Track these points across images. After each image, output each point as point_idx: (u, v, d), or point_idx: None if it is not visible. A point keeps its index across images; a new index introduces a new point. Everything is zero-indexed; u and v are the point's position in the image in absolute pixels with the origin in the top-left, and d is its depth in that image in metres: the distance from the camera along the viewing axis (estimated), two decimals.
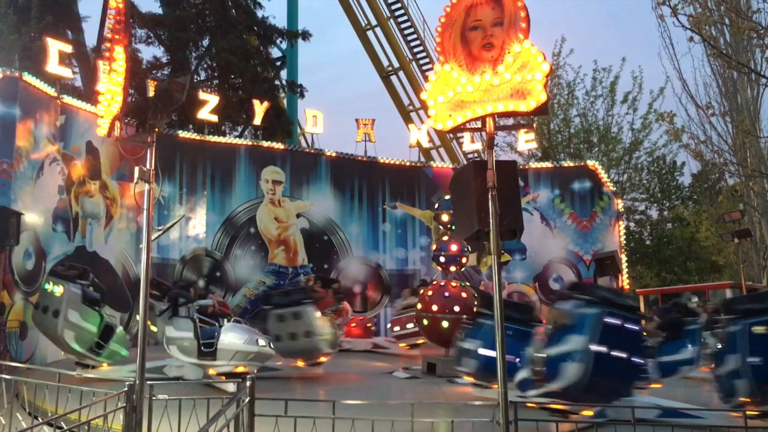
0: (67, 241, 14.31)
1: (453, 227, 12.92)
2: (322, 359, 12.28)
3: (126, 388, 5.75)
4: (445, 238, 13.24)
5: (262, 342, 10.51)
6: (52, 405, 7.27)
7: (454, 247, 13.06)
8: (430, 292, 13.16)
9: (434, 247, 13.71)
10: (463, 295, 12.96)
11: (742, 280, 18.04)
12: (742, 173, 17.60)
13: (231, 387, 9.33)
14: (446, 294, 12.82)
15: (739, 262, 20.62)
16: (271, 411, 6.46)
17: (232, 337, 10.41)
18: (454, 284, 13.17)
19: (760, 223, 22.19)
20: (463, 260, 13.42)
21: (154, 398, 6.38)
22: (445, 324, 12.53)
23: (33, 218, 13.02)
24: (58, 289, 10.50)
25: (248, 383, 6.28)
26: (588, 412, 7.73)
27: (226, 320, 10.87)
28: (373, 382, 12.13)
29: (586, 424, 7.33)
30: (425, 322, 12.98)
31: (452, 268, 13.34)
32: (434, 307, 12.72)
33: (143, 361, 6.02)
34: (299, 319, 11.76)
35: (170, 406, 6.52)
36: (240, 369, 10.28)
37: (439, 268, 13.65)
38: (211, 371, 10.43)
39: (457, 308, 12.61)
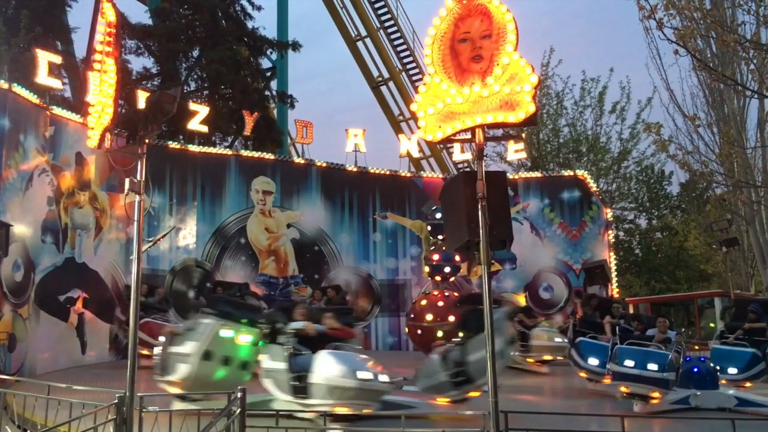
0: (56, 252, 14.23)
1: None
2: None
3: (116, 401, 5.74)
4: None
5: (365, 374, 8.07)
6: (41, 417, 7.24)
7: (458, 257, 13.11)
8: (440, 303, 13.15)
9: (437, 257, 13.70)
10: (440, 304, 13.15)
11: (731, 289, 18.19)
12: (728, 183, 17.76)
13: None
14: (458, 304, 12.95)
15: (727, 270, 20.76)
16: (262, 423, 6.46)
17: (325, 368, 8.14)
18: (456, 294, 13.29)
19: (747, 232, 22.37)
20: (462, 270, 13.58)
21: (144, 410, 6.37)
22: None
23: (22, 229, 12.94)
24: (246, 338, 8.96)
25: (239, 395, 6.27)
26: (656, 394, 9.55)
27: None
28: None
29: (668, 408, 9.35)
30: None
31: (451, 279, 13.47)
32: (451, 318, 12.78)
33: (133, 372, 6.01)
34: (511, 320, 9.85)
35: (160, 419, 6.50)
36: (341, 410, 7.93)
37: (438, 278, 13.73)
38: (310, 414, 8.22)
39: None
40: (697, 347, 13.90)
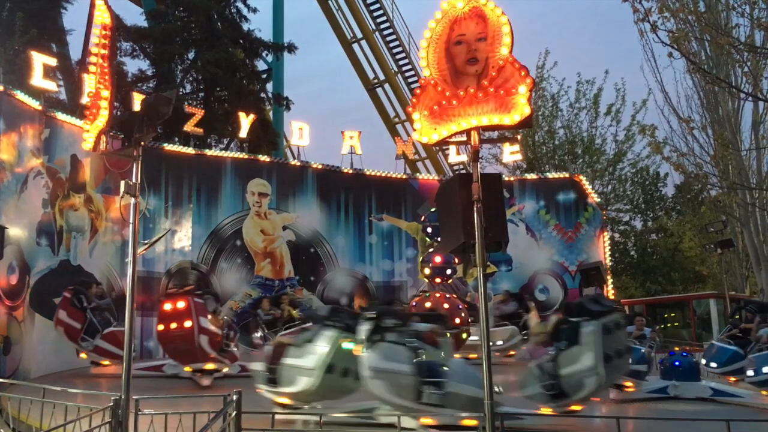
0: (51, 254, 14.20)
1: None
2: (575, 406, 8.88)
3: (111, 403, 5.73)
4: None
5: (497, 387, 7.55)
6: (36, 420, 7.22)
7: (457, 259, 13.20)
8: (445, 305, 13.13)
9: (438, 259, 13.69)
10: (446, 306, 13.21)
11: (726, 290, 18.26)
12: (723, 185, 17.82)
13: None
14: (459, 306, 12.96)
15: (722, 272, 20.83)
16: (258, 425, 6.45)
17: (468, 378, 7.82)
18: (455, 296, 13.37)
19: (742, 233, 22.43)
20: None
21: (139, 413, 6.36)
22: (464, 336, 12.73)
23: (17, 232, 12.91)
24: (353, 346, 8.52)
25: (235, 397, 6.27)
26: (629, 383, 10.77)
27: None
28: None
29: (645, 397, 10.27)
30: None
31: (449, 281, 13.51)
32: (457, 320, 12.81)
33: (129, 374, 6.01)
34: (621, 330, 9.02)
35: (156, 421, 6.49)
36: (469, 422, 7.37)
37: (438, 280, 13.71)
38: (425, 420, 7.75)
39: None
40: (676, 348, 14.50)
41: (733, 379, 12.24)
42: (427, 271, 16.13)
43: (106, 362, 13.03)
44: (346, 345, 8.44)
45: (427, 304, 14.78)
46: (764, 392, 10.94)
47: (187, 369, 12.13)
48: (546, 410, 8.61)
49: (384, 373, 7.82)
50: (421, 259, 17.96)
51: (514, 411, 8.24)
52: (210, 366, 11.88)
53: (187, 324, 11.74)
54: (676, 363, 11.43)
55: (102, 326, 13.06)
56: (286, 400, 8.68)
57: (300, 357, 8.63)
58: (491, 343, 13.85)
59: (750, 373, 11.26)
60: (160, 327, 12.28)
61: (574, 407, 8.66)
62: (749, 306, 13.55)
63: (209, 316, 12.17)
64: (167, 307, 12.17)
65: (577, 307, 9.15)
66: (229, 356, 12.52)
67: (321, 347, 8.55)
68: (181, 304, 11.98)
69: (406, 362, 7.78)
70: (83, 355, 13.39)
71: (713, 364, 12.56)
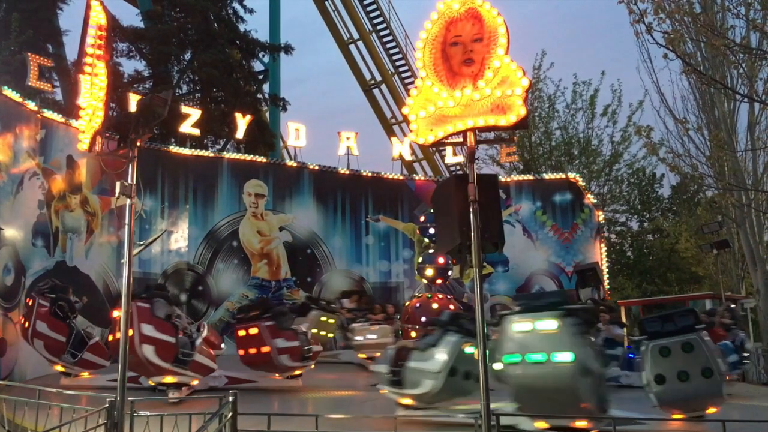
0: (47, 255, 14.17)
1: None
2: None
3: (107, 405, 5.72)
4: None
5: None
6: (31, 422, 7.20)
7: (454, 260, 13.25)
8: (451, 306, 13.14)
9: (442, 260, 13.69)
10: (451, 307, 13.19)
11: (722, 291, 18.29)
12: (719, 186, 17.84)
13: None
14: (461, 308, 12.98)
15: (718, 272, 20.84)
16: (254, 426, 6.44)
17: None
18: (451, 297, 13.37)
19: (737, 234, 22.46)
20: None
21: (135, 414, 6.35)
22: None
23: (12, 233, 12.88)
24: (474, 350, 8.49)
25: (231, 398, 6.26)
26: None
27: None
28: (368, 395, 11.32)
29: None
30: None
31: (447, 282, 13.52)
32: None
33: (124, 375, 6.00)
34: (691, 351, 8.69)
35: (152, 423, 6.48)
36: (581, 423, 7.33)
37: (440, 281, 13.71)
38: (580, 423, 7.56)
39: None
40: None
41: None
42: (430, 272, 16.15)
43: (86, 374, 12.14)
44: (468, 349, 8.71)
45: (435, 306, 14.79)
46: None
47: (150, 383, 10.96)
48: (678, 414, 8.83)
49: (592, 373, 7.51)
50: (420, 260, 17.96)
51: (630, 416, 8.41)
52: (170, 379, 10.57)
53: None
54: (631, 356, 12.86)
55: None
56: (409, 401, 9.04)
57: (424, 360, 8.97)
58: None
59: None
60: (110, 337, 11.34)
61: (676, 415, 8.82)
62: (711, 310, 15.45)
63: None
64: (115, 314, 10.74)
65: (640, 325, 9.56)
66: (195, 367, 10.87)
67: (444, 352, 8.86)
68: None
69: (602, 365, 7.70)
70: (59, 368, 12.10)
71: None
